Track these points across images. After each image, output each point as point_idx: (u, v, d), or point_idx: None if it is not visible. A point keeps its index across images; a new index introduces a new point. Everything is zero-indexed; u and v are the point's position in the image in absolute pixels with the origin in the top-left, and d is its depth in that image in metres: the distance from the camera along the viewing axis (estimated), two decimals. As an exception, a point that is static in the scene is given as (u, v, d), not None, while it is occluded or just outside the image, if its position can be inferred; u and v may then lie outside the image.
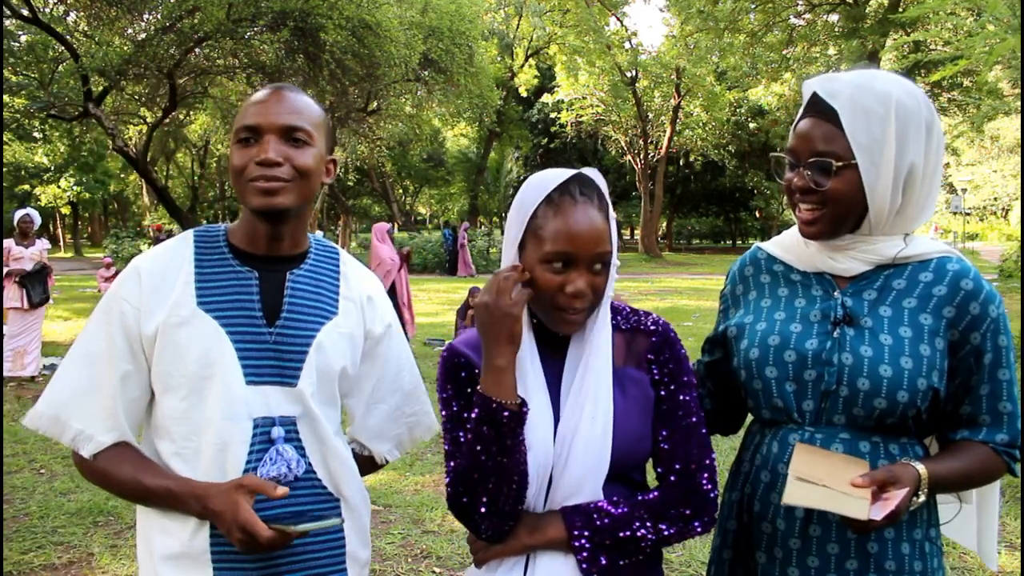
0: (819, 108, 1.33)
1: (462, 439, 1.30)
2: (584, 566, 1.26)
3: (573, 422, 1.27)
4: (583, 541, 1.25)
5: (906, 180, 1.31)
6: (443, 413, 1.35)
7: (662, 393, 1.33)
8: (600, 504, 1.28)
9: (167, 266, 1.39)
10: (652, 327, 1.37)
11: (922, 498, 1.24)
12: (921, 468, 1.25)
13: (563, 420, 1.28)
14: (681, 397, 1.33)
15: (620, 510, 1.27)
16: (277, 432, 1.37)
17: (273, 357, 1.38)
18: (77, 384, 1.37)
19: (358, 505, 1.50)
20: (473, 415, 1.25)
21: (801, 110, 1.38)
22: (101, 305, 1.41)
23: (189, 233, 1.46)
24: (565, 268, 1.24)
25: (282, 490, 1.30)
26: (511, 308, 1.24)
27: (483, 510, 1.25)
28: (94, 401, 1.36)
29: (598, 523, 1.26)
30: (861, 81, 1.31)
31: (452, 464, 1.31)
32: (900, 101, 1.29)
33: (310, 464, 1.41)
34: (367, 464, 1.60)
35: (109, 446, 1.36)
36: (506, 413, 1.22)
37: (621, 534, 1.26)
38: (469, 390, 1.32)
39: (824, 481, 1.21)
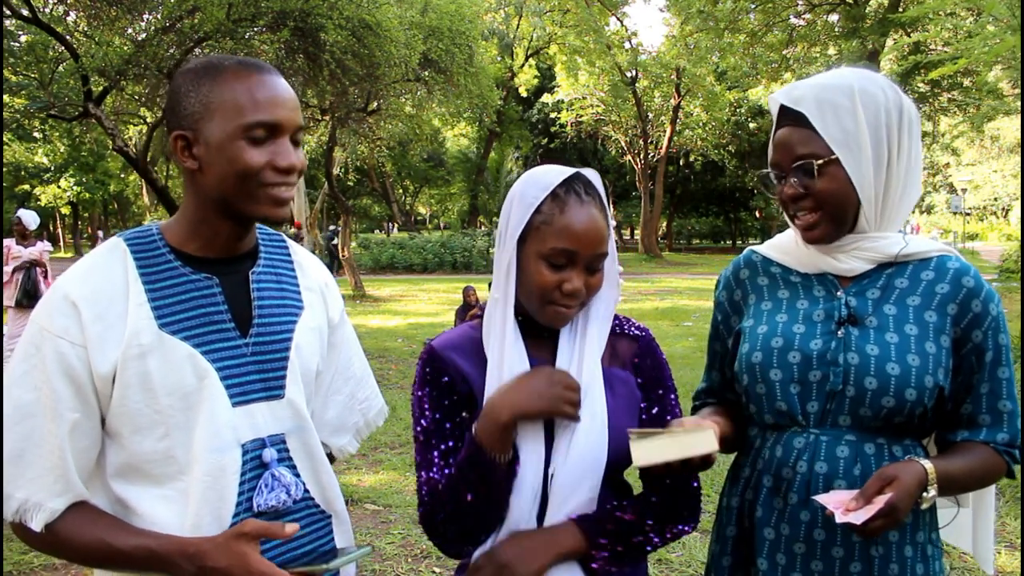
0: (789, 116, 1.36)
1: (436, 458, 1.29)
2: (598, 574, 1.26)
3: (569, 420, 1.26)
4: (602, 550, 1.25)
5: (888, 159, 1.33)
6: (420, 418, 1.31)
7: (650, 396, 1.34)
8: (608, 512, 1.27)
9: (106, 287, 1.17)
10: (636, 331, 1.38)
11: (931, 493, 1.22)
12: (928, 464, 1.23)
13: (559, 418, 1.26)
14: (667, 400, 1.35)
15: (629, 516, 1.28)
16: (269, 454, 1.23)
17: (256, 371, 1.24)
18: (11, 446, 1.15)
19: (346, 518, 1.39)
20: (462, 455, 1.24)
21: (773, 125, 1.40)
22: (24, 348, 1.16)
23: (117, 242, 1.23)
24: (564, 266, 1.24)
25: (292, 527, 1.15)
26: (566, 407, 1.23)
27: (451, 536, 1.28)
28: (36, 463, 1.15)
29: (613, 530, 1.26)
30: (822, 81, 1.35)
31: (425, 475, 1.29)
32: (863, 89, 1.32)
33: (305, 484, 1.29)
34: None
35: (63, 511, 1.16)
36: (499, 471, 1.22)
37: (634, 539, 1.27)
38: (447, 401, 1.30)
39: (663, 435, 1.17)
